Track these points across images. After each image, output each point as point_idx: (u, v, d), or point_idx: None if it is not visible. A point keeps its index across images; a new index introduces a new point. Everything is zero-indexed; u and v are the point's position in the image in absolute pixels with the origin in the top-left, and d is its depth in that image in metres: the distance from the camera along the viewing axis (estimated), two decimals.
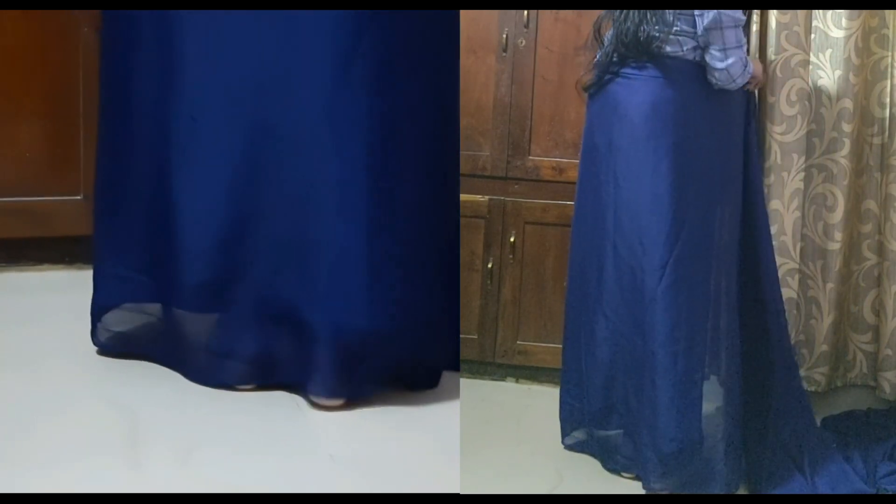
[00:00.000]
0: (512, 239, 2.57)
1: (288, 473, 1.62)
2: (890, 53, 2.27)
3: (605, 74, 1.95)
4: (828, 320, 2.30)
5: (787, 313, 2.11)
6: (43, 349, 2.04)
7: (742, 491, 1.96)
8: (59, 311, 2.25)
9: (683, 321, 1.87)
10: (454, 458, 1.71)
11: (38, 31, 2.51)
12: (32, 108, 2.54)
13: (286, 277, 1.84)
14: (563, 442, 2.15)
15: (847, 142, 2.25)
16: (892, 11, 2.26)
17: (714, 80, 1.88)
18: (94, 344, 2.03)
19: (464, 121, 2.50)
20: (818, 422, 2.21)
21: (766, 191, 2.18)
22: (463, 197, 2.41)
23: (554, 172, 2.55)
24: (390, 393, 1.88)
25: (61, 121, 2.56)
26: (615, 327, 1.98)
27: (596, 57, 2.02)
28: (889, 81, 2.28)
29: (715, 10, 1.82)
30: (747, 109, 2.01)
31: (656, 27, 1.86)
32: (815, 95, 2.26)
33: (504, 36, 2.53)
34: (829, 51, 2.25)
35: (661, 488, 1.91)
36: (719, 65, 1.85)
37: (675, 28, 1.85)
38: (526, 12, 2.51)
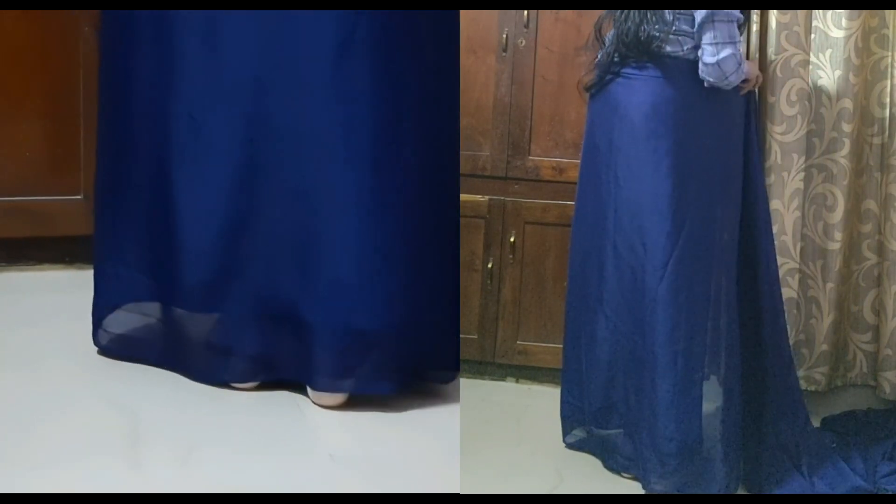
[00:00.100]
0: (512, 239, 2.57)
1: (288, 473, 1.62)
2: (890, 53, 2.27)
3: (606, 74, 1.95)
4: (828, 320, 2.30)
5: (787, 313, 2.11)
6: (43, 349, 2.04)
7: (741, 491, 1.96)
8: (59, 311, 2.25)
9: (684, 321, 1.87)
10: (454, 458, 1.71)
11: (38, 31, 2.52)
12: (33, 108, 2.54)
13: (286, 275, 1.84)
14: (563, 440, 2.16)
15: (847, 142, 2.25)
16: (892, 11, 2.26)
17: (706, 77, 1.84)
18: (96, 345, 2.03)
19: (464, 121, 2.50)
20: (819, 421, 2.22)
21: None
22: (463, 197, 2.41)
23: (554, 172, 2.55)
24: (391, 392, 1.88)
25: (61, 121, 2.56)
26: (615, 327, 1.98)
27: (597, 57, 2.02)
28: (889, 81, 2.28)
29: None
30: (748, 109, 2.01)
31: (656, 27, 1.86)
32: (815, 95, 2.26)
33: (504, 36, 2.53)
34: (829, 51, 2.25)
35: (660, 488, 1.91)
36: (710, 59, 1.82)
37: (674, 28, 1.85)
38: (526, 12, 2.51)
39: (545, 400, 2.39)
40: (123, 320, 2.02)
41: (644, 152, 1.89)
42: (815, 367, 2.32)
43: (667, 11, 1.85)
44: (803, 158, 2.26)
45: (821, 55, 2.26)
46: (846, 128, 2.25)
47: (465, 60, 2.51)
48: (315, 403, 1.86)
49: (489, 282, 2.59)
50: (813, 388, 2.31)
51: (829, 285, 2.29)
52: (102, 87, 2.03)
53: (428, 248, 1.88)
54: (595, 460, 2.09)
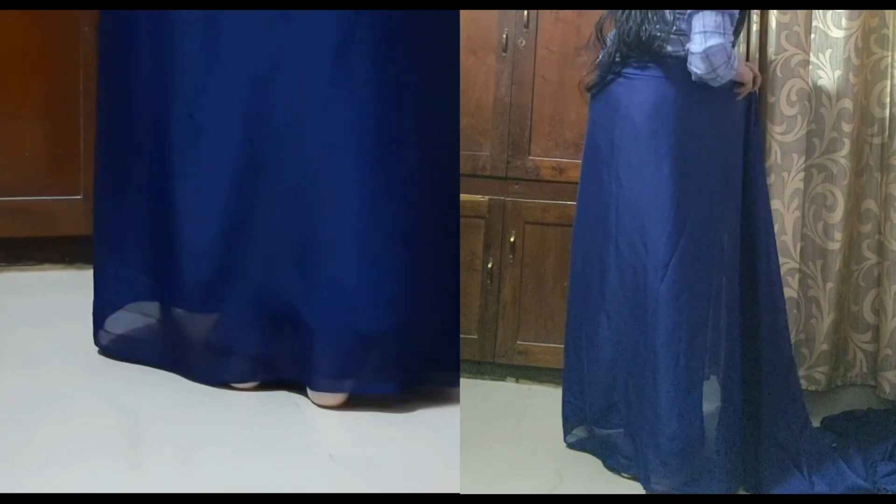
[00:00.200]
0: (512, 239, 2.57)
1: (288, 473, 1.62)
2: (890, 53, 2.27)
3: (608, 74, 1.95)
4: (828, 320, 2.30)
5: (787, 313, 2.11)
6: (43, 349, 2.04)
7: (741, 491, 1.96)
8: (59, 311, 2.25)
9: (685, 321, 1.87)
10: (454, 458, 1.71)
11: (38, 31, 2.52)
12: (33, 108, 2.54)
13: (286, 275, 1.84)
14: (565, 440, 2.16)
15: (847, 142, 2.25)
16: (892, 11, 2.26)
17: (694, 69, 1.80)
18: (96, 345, 2.03)
19: (464, 121, 2.50)
20: (819, 421, 2.22)
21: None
22: (463, 197, 2.41)
23: (554, 172, 2.55)
24: (391, 393, 1.88)
25: (61, 121, 2.56)
26: (617, 326, 1.98)
27: (598, 57, 2.02)
28: (889, 81, 2.28)
29: None
30: (749, 109, 2.00)
31: (657, 26, 1.86)
32: (815, 95, 2.26)
33: (504, 36, 2.53)
34: (829, 51, 2.25)
35: (661, 488, 1.91)
36: (697, 48, 1.78)
37: (675, 27, 1.85)
38: (526, 12, 2.51)
39: (545, 400, 2.39)
40: (124, 321, 2.02)
41: (645, 152, 1.89)
42: (815, 366, 2.32)
43: (667, 11, 1.85)
44: (803, 158, 2.26)
45: (821, 55, 2.26)
46: (846, 128, 2.25)
47: (465, 60, 2.51)
48: (315, 404, 1.86)
49: (489, 282, 2.59)
50: (813, 387, 2.31)
51: (829, 285, 2.30)
52: (102, 86, 2.03)
53: (428, 248, 1.88)
54: (595, 460, 2.09)
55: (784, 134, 2.25)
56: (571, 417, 2.15)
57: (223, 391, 1.90)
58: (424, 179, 1.87)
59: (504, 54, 2.54)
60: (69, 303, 2.20)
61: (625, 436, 2.02)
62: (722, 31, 1.78)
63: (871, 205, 2.32)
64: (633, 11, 1.89)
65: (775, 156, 2.25)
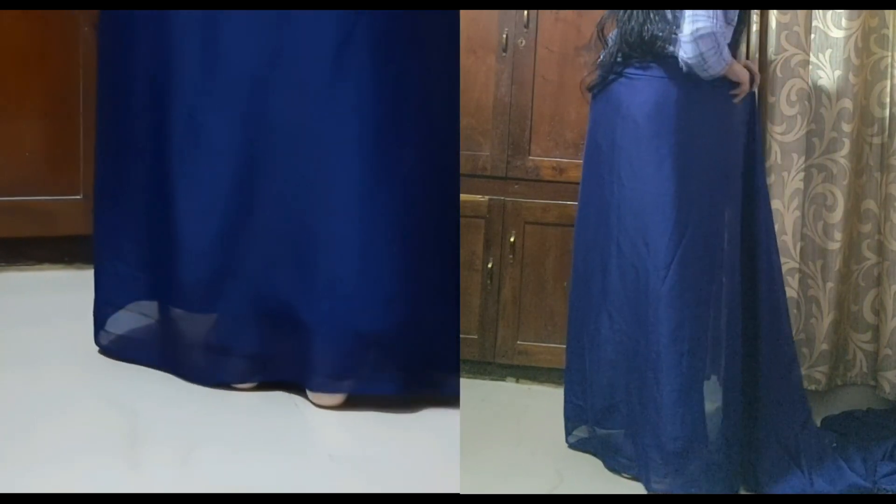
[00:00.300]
0: (512, 239, 2.57)
1: (287, 473, 1.62)
2: (890, 53, 2.27)
3: (609, 74, 1.95)
4: (828, 319, 2.30)
5: (789, 311, 2.11)
6: (43, 349, 2.04)
7: (741, 490, 1.95)
8: (59, 311, 2.25)
9: (687, 321, 1.87)
10: (454, 458, 1.71)
11: (38, 31, 2.52)
12: (32, 108, 2.54)
13: (285, 275, 1.84)
14: (566, 440, 2.16)
15: (847, 142, 2.26)
16: (892, 11, 2.26)
17: (684, 59, 1.79)
18: (97, 345, 2.03)
19: (464, 121, 2.50)
20: (819, 421, 2.22)
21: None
22: (463, 197, 2.41)
23: (554, 172, 2.55)
24: (390, 393, 1.88)
25: (61, 120, 2.56)
26: (619, 327, 1.98)
27: (599, 57, 2.02)
28: (889, 81, 2.28)
29: None
30: (751, 108, 2.00)
31: (659, 26, 1.86)
32: (815, 95, 2.26)
33: (504, 36, 2.53)
34: (829, 51, 2.25)
35: (661, 488, 1.91)
36: (685, 32, 1.76)
37: (674, 27, 1.85)
38: (526, 12, 2.51)
39: (545, 400, 2.39)
40: (124, 321, 2.02)
41: (647, 152, 1.89)
42: (815, 366, 2.32)
43: (669, 11, 1.85)
44: (803, 158, 2.26)
45: (821, 55, 2.26)
46: (846, 128, 2.25)
47: (465, 60, 2.51)
48: (314, 404, 1.86)
49: (489, 282, 2.59)
50: (813, 387, 2.31)
51: (829, 285, 2.30)
52: (101, 85, 2.03)
53: (428, 247, 1.88)
54: (595, 460, 2.09)
55: (784, 134, 2.25)
56: (574, 417, 2.15)
57: (223, 391, 1.90)
58: (424, 179, 1.87)
59: (504, 54, 2.54)
60: (69, 302, 2.20)
61: (625, 436, 2.02)
62: (711, 17, 1.76)
63: (870, 205, 2.32)
64: (635, 11, 1.89)
65: (775, 156, 2.25)
